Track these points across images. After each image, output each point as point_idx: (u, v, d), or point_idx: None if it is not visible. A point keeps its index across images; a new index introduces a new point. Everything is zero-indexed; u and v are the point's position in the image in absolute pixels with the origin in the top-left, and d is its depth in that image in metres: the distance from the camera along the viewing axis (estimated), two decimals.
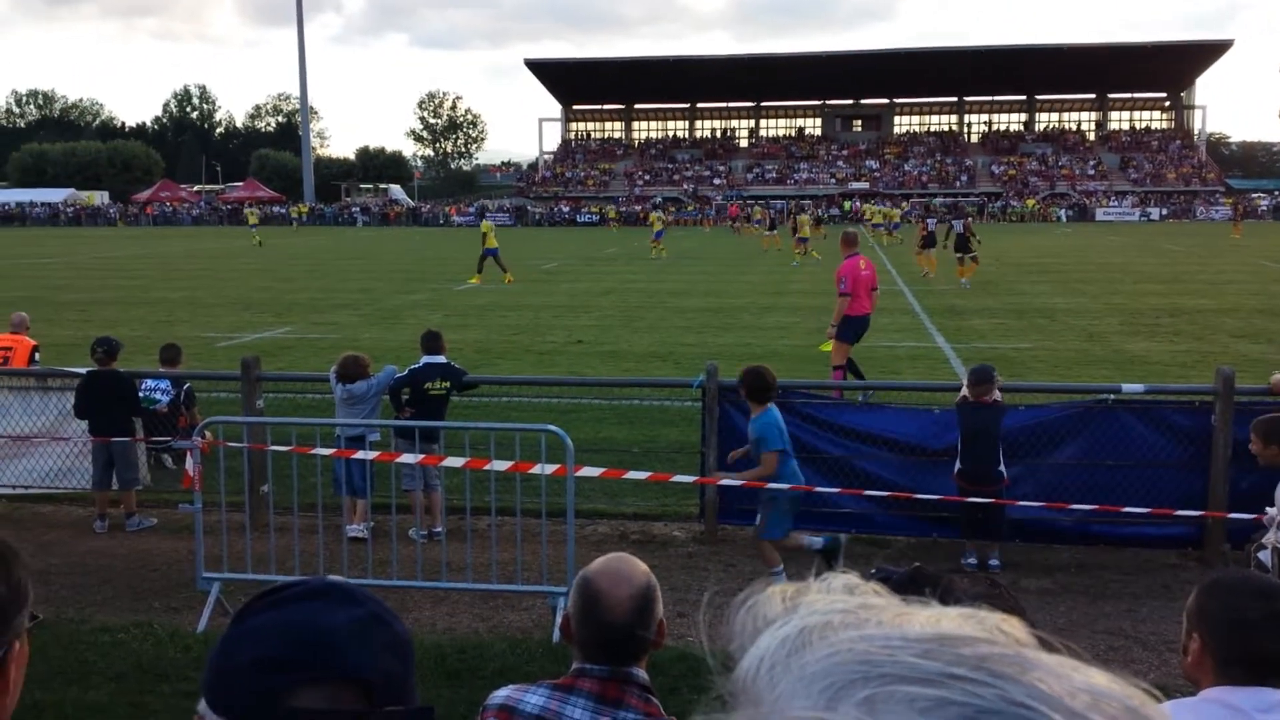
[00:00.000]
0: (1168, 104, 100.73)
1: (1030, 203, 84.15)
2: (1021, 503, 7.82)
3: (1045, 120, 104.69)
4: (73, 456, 9.38)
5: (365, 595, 1.17)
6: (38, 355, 11.37)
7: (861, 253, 13.55)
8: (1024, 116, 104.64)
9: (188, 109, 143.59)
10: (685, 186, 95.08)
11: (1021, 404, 8.65)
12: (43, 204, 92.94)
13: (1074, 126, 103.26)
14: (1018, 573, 7.73)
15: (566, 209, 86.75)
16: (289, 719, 1.05)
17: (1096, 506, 7.82)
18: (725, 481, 7.68)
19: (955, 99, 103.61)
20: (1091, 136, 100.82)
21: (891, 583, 1.16)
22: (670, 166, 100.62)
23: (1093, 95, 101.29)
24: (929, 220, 35.57)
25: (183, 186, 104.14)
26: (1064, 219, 78.29)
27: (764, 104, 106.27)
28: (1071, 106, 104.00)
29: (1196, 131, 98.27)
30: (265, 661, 1.07)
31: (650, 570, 2.74)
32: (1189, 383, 12.49)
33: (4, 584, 1.34)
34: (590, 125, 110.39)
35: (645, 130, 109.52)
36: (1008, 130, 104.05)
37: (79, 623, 6.81)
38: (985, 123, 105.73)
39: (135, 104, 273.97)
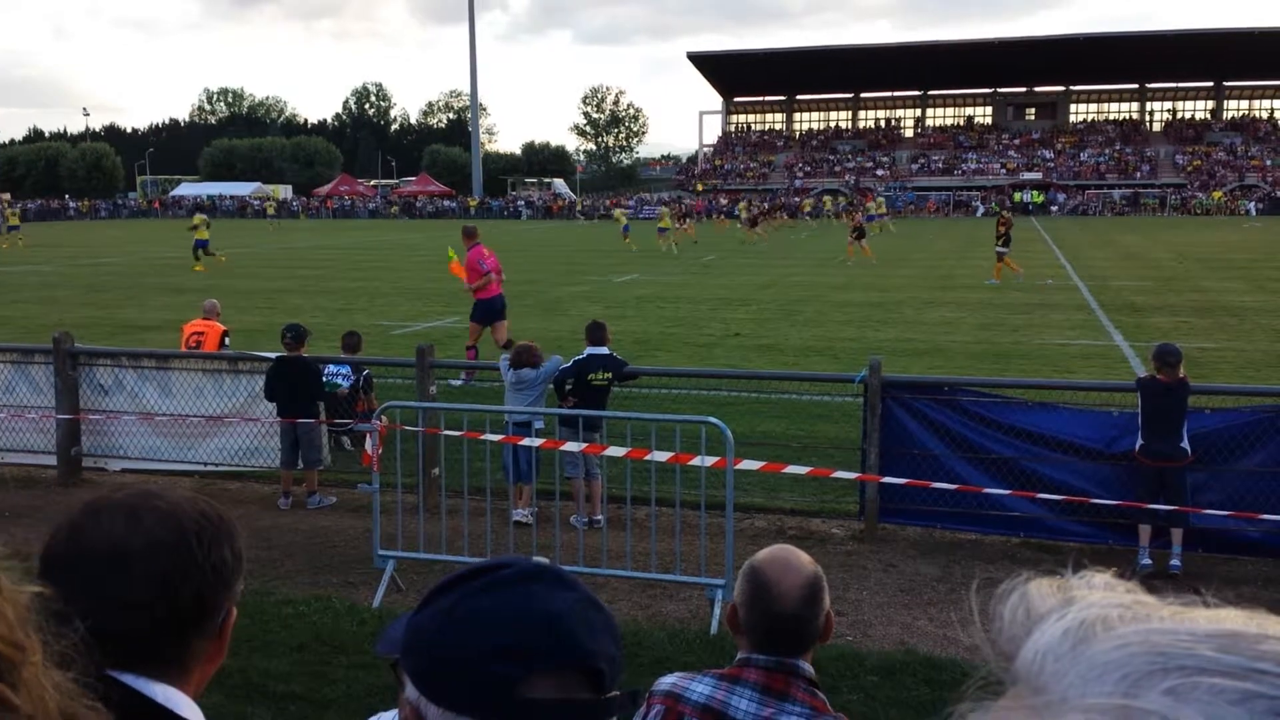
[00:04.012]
0: None
1: (1216, 195, 79.48)
2: (1206, 511, 7.43)
3: (1234, 108, 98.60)
4: (261, 436, 9.92)
5: (574, 579, 1.15)
6: (228, 340, 12.06)
7: (482, 242, 15.06)
8: (1211, 104, 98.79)
9: (365, 106, 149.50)
10: (847, 178, 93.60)
11: (1208, 407, 8.20)
12: (231, 197, 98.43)
13: (1265, 114, 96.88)
14: (1199, 584, 7.34)
15: (725, 201, 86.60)
16: (526, 710, 1.02)
17: None
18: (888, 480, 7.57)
19: (1136, 85, 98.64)
20: None
21: None
22: (831, 158, 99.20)
23: None
24: (863, 216, 42.96)
25: (360, 181, 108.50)
26: (1253, 212, 73.62)
27: (931, 93, 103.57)
28: (1263, 94, 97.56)
29: None
30: (499, 650, 1.04)
31: None
32: None
33: (229, 551, 1.44)
34: (751, 117, 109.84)
35: (806, 121, 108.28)
36: (1193, 118, 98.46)
37: (264, 594, 7.18)
38: (1169, 110, 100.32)
39: (315, 101, 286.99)
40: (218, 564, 1.41)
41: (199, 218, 36.91)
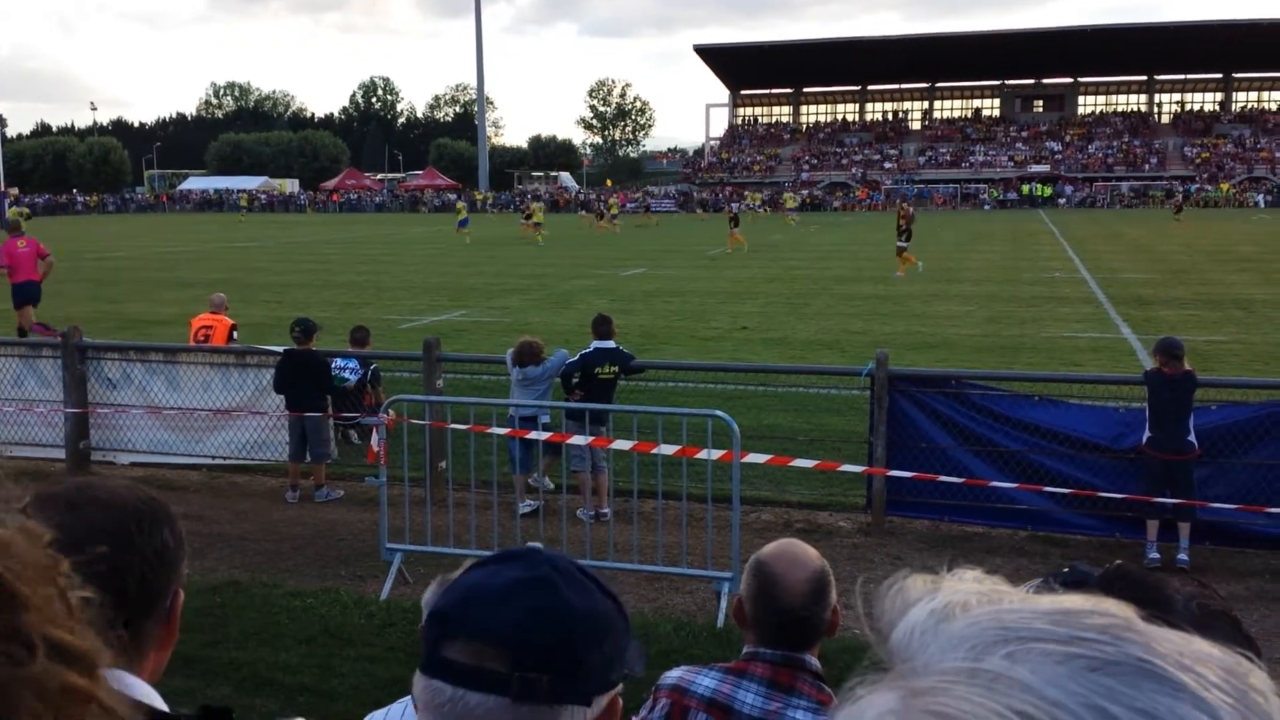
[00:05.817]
0: None
1: (1225, 187, 79.23)
2: (1214, 504, 7.42)
3: (1243, 100, 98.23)
4: (268, 430, 9.94)
5: (549, 560, 1.20)
6: (235, 334, 12.08)
7: (24, 235, 17.07)
8: (1220, 96, 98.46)
9: (373, 100, 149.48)
10: (854, 171, 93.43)
11: (1214, 402, 8.18)
12: (239, 191, 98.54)
13: (1274, 106, 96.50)
14: (1207, 576, 7.32)
15: (732, 195, 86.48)
16: (443, 668, 1.14)
17: None
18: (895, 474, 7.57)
19: (1145, 78, 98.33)
20: None
21: (1094, 581, 1.13)
22: (838, 150, 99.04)
23: None
24: (733, 205, 51.96)
25: (367, 175, 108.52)
26: (1261, 204, 73.36)
27: (939, 85, 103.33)
28: (1272, 85, 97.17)
29: None
30: (432, 614, 1.18)
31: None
32: None
33: (170, 535, 1.49)
34: (758, 110, 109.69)
35: (814, 114, 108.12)
36: (1202, 110, 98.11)
37: (272, 587, 7.21)
38: (1177, 103, 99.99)
39: (322, 95, 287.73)
40: (159, 548, 1.45)
41: (14, 210, 40.10)
